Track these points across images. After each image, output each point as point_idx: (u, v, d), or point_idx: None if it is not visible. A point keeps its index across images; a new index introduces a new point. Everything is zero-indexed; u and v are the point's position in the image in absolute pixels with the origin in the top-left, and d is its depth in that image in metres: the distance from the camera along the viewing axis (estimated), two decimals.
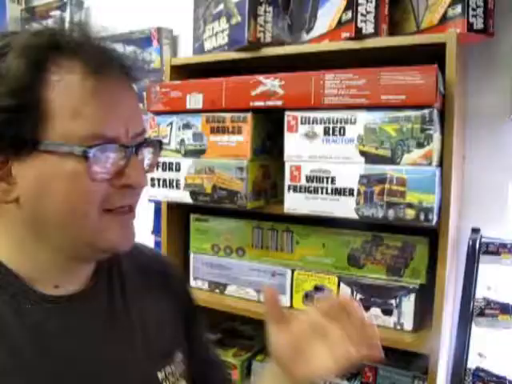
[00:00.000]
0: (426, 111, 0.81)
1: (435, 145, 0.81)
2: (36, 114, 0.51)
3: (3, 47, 0.52)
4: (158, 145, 0.63)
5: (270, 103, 0.95)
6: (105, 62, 0.54)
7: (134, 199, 0.58)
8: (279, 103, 0.94)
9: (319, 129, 0.90)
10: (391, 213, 0.83)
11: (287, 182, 0.94)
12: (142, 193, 0.61)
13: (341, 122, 0.88)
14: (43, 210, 0.54)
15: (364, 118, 0.86)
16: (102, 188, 0.54)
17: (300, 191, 0.92)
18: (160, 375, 0.63)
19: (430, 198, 0.81)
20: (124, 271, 0.66)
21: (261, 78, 0.95)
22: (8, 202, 0.54)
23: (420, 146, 0.81)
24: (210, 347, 0.79)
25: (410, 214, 0.82)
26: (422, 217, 0.82)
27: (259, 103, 0.96)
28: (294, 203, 0.93)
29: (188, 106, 1.04)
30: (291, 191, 0.93)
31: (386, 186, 0.84)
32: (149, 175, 0.62)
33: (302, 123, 0.92)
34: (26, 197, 0.53)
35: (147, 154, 0.62)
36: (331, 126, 0.89)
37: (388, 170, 0.84)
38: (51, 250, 0.56)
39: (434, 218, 0.82)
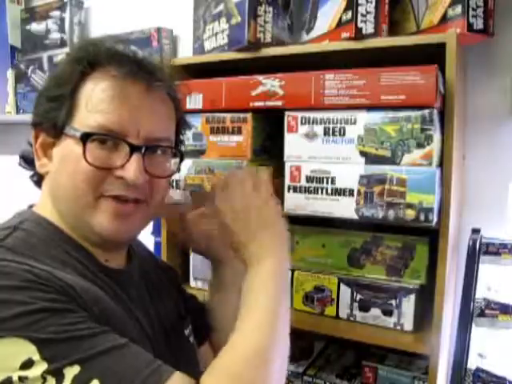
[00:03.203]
0: (426, 111, 0.81)
1: (435, 145, 0.81)
2: (67, 105, 0.63)
3: (66, 56, 0.72)
4: (171, 154, 0.71)
5: (270, 103, 0.95)
6: (135, 71, 0.64)
7: (132, 193, 0.65)
8: (279, 103, 0.94)
9: (319, 129, 0.90)
10: (391, 213, 0.83)
11: (287, 182, 0.94)
12: (159, 191, 0.69)
13: (341, 123, 0.88)
14: (57, 185, 0.65)
15: (364, 118, 0.86)
16: (99, 174, 0.62)
17: (300, 191, 0.92)
18: (186, 332, 0.80)
19: (430, 199, 0.81)
20: (138, 255, 0.78)
21: (261, 78, 0.95)
22: (41, 173, 0.68)
23: (420, 146, 0.81)
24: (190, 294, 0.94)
25: (410, 214, 0.82)
26: (422, 217, 0.81)
27: (259, 103, 0.96)
28: (294, 203, 0.93)
29: (188, 106, 1.04)
30: (291, 191, 0.93)
31: (386, 186, 0.84)
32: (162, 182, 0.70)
33: (302, 123, 0.92)
34: (51, 172, 0.66)
35: (163, 161, 0.69)
36: (331, 126, 0.89)
37: (388, 170, 0.84)
38: (73, 226, 0.66)
39: (434, 219, 0.81)
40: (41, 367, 0.48)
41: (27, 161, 0.73)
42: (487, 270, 0.90)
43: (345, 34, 0.94)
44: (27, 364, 0.48)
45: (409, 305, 0.94)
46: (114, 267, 0.69)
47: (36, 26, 1.70)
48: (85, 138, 0.61)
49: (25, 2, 1.80)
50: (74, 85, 0.64)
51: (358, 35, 0.92)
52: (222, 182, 0.76)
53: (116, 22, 1.52)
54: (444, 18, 0.94)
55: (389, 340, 0.94)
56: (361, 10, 0.92)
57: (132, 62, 0.65)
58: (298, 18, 1.09)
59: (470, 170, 1.08)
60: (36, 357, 0.48)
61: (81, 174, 0.62)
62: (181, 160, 0.74)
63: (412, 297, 0.93)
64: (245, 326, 0.62)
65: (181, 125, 0.76)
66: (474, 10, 0.91)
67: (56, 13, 1.65)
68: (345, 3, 0.95)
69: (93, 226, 0.64)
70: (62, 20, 1.63)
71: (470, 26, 0.91)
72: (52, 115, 0.64)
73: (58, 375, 0.48)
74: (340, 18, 0.96)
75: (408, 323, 0.94)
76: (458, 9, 0.91)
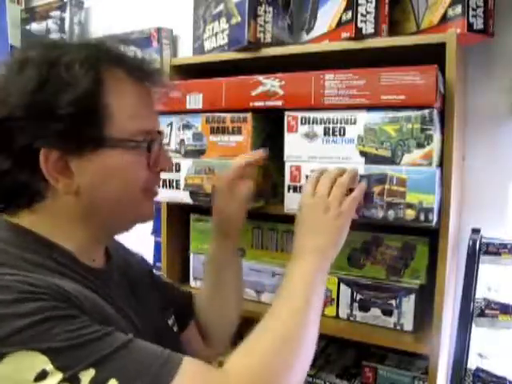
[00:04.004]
0: (426, 111, 0.81)
1: (435, 145, 0.81)
2: (99, 118, 0.60)
3: (59, 57, 0.60)
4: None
5: (270, 103, 0.95)
6: (142, 71, 0.66)
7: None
8: (279, 103, 0.94)
9: (319, 129, 0.90)
10: (391, 213, 0.83)
11: (287, 182, 0.94)
12: None
13: (341, 123, 0.88)
14: (101, 198, 0.63)
15: (364, 118, 0.86)
16: (147, 174, 0.66)
17: (300, 191, 0.92)
18: (170, 322, 0.81)
19: (430, 199, 0.81)
20: (114, 250, 0.77)
21: (261, 78, 0.95)
22: (69, 193, 0.62)
23: (420, 146, 0.81)
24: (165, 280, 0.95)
25: (410, 214, 0.82)
26: (422, 217, 0.81)
27: (259, 103, 0.96)
28: (294, 203, 0.93)
29: (188, 106, 1.04)
30: (291, 191, 0.93)
31: (386, 186, 0.84)
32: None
33: (302, 123, 0.92)
34: (85, 188, 0.62)
35: None
36: (331, 126, 0.89)
37: (388, 170, 0.84)
38: (95, 230, 0.66)
39: (434, 219, 0.81)
40: (56, 377, 0.48)
41: None
42: (487, 270, 0.90)
43: (345, 34, 0.94)
44: (41, 375, 0.47)
45: (409, 305, 0.94)
46: (98, 267, 0.68)
47: (36, 26, 1.70)
48: (150, 145, 0.65)
49: (25, 2, 1.80)
50: (99, 96, 0.60)
51: (358, 35, 0.92)
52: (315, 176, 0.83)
53: (116, 22, 1.52)
54: (444, 18, 0.94)
55: (389, 340, 0.94)
56: (361, 10, 0.92)
57: (137, 64, 0.66)
58: (298, 18, 1.09)
59: (470, 170, 1.08)
60: (49, 367, 0.48)
61: (136, 178, 0.65)
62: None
63: (412, 297, 0.93)
64: (281, 311, 0.66)
65: None
66: (474, 10, 0.91)
67: (56, 13, 1.65)
68: (345, 3, 0.95)
69: (142, 217, 0.70)
70: (62, 20, 1.63)
71: (470, 26, 0.91)
72: (74, 131, 0.59)
73: (75, 381, 0.48)
74: (340, 18, 0.96)
75: (408, 323, 0.94)
76: (458, 9, 0.91)
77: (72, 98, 0.58)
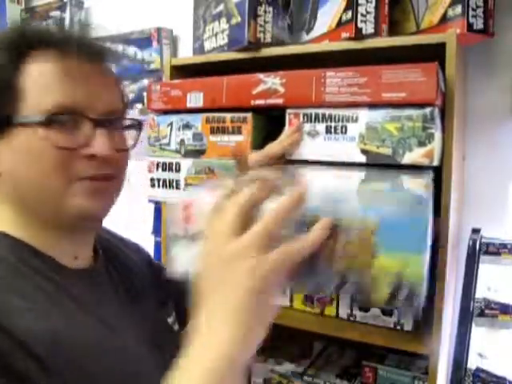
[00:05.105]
0: (428, 110, 0.80)
1: (436, 143, 0.81)
2: (10, 94, 0.56)
3: None
4: (136, 125, 0.68)
5: (271, 101, 0.94)
6: (75, 48, 0.59)
7: (104, 169, 0.60)
8: (280, 101, 0.94)
9: (321, 127, 0.90)
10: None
11: None
12: (125, 165, 0.66)
13: (342, 121, 0.88)
14: (22, 182, 0.58)
15: (366, 116, 0.86)
16: (67, 157, 0.58)
17: None
18: (170, 320, 0.76)
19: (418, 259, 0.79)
20: (104, 243, 0.72)
21: (261, 76, 0.95)
22: None
23: (421, 144, 0.81)
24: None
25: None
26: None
27: (260, 101, 0.96)
28: None
29: (188, 105, 1.04)
30: None
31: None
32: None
33: (304, 121, 0.91)
34: (6, 171, 0.58)
35: (123, 134, 0.66)
36: (333, 124, 0.89)
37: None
38: (41, 222, 0.60)
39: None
40: None
41: None
42: (487, 269, 0.90)
43: (345, 34, 0.94)
44: None
45: None
46: (81, 267, 0.64)
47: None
48: (49, 121, 0.56)
49: (25, 2, 1.80)
50: (13, 73, 0.57)
51: (358, 35, 0.92)
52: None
53: (116, 22, 1.52)
54: (444, 18, 0.94)
55: (389, 340, 0.94)
56: (361, 10, 0.92)
57: (70, 40, 0.60)
58: (298, 17, 1.09)
59: (470, 170, 1.08)
60: None
61: (49, 160, 0.57)
62: (140, 129, 0.69)
63: None
64: None
65: (124, 94, 0.71)
66: (473, 10, 0.91)
67: (56, 13, 1.65)
68: (345, 3, 0.95)
69: (69, 210, 0.59)
70: (62, 20, 1.63)
71: (469, 26, 0.91)
72: None
73: None
74: (340, 18, 0.96)
75: (408, 323, 0.94)
76: (458, 9, 0.91)
77: None
